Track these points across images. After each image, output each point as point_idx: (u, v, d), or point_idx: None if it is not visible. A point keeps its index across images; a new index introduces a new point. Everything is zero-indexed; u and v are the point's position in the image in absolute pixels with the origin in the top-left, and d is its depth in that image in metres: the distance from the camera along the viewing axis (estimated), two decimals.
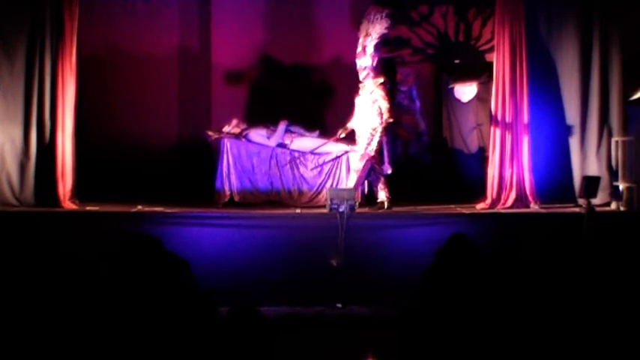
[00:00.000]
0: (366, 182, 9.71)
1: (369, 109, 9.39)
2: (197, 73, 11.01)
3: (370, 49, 9.45)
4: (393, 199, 9.61)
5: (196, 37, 11.04)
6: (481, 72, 10.53)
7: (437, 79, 11.17)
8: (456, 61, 10.96)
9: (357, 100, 9.53)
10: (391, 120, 9.49)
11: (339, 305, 7.72)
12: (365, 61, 9.46)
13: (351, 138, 10.10)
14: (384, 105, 9.39)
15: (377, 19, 9.49)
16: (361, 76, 9.51)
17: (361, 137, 9.45)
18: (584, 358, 4.87)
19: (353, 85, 10.94)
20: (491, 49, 10.15)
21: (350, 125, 9.60)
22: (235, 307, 4.38)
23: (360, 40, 9.53)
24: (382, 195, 9.48)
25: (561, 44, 9.70)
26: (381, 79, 9.46)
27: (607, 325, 5.16)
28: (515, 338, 4.61)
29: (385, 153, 9.61)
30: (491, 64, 9.88)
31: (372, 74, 9.46)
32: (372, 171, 9.50)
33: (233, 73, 11.00)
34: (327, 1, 11.01)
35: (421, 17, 10.96)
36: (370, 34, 9.45)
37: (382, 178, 9.51)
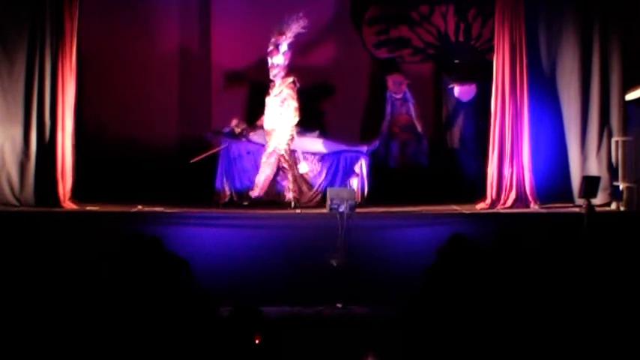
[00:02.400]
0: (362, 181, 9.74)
1: (279, 108, 9.44)
2: (197, 73, 11.00)
3: (284, 48, 9.51)
4: (395, 199, 9.63)
5: (196, 37, 11.03)
6: (481, 72, 10.52)
7: (437, 79, 11.16)
8: (456, 61, 10.94)
9: (268, 100, 9.53)
10: (297, 119, 9.54)
11: (339, 305, 7.72)
12: (278, 59, 9.49)
13: (350, 138, 10.12)
14: (293, 104, 9.43)
15: (293, 19, 9.55)
16: (272, 74, 9.54)
17: (276, 136, 9.45)
18: (584, 357, 4.87)
19: (353, 85, 10.98)
20: (491, 49, 10.14)
21: (264, 125, 9.58)
22: (237, 308, 4.38)
23: (273, 40, 9.56)
24: (290, 194, 9.54)
25: (561, 44, 9.70)
26: (291, 79, 9.52)
27: (607, 324, 5.16)
28: (515, 338, 4.61)
29: (300, 151, 9.65)
30: (491, 64, 9.87)
31: (282, 73, 9.50)
32: (279, 169, 9.53)
33: (233, 73, 10.99)
34: (327, 1, 11.00)
35: (421, 17, 10.96)
36: (285, 33, 9.49)
37: (290, 177, 9.52)
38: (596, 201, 8.81)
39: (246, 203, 9.48)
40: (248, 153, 9.87)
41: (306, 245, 8.23)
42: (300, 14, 9.62)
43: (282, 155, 9.49)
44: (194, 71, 11.02)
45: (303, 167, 9.67)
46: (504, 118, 9.57)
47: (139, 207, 9.30)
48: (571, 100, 9.68)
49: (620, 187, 9.38)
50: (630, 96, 9.69)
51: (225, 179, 9.73)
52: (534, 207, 9.40)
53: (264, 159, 9.52)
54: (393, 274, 7.83)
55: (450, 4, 10.92)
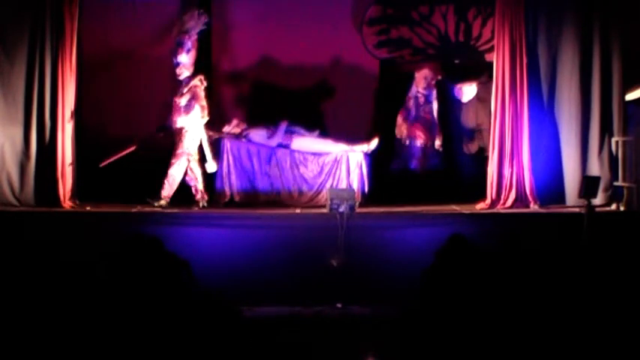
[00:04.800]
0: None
1: (187, 107, 9.40)
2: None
3: (188, 46, 9.46)
4: (395, 199, 9.64)
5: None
6: (481, 72, 10.51)
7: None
8: (456, 61, 10.92)
9: (175, 100, 9.47)
10: (207, 118, 9.51)
11: (339, 305, 7.72)
12: (182, 58, 9.46)
13: (351, 137, 10.10)
14: (200, 103, 9.43)
15: (194, 16, 9.51)
16: (177, 74, 9.49)
17: (186, 136, 9.41)
18: (584, 358, 4.87)
19: (353, 85, 10.96)
20: (491, 49, 10.15)
21: (172, 125, 9.49)
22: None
23: (176, 39, 9.51)
24: (199, 195, 9.47)
25: (561, 44, 9.69)
26: (197, 78, 9.50)
27: (607, 325, 5.16)
28: (515, 338, 4.61)
29: (209, 150, 9.55)
30: (491, 64, 9.87)
31: (188, 72, 9.48)
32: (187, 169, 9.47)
33: (233, 73, 10.99)
34: (327, 1, 11.00)
35: (421, 17, 10.95)
36: (188, 31, 9.45)
37: (198, 177, 9.47)
38: (597, 201, 8.82)
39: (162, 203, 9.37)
40: (255, 155, 9.86)
41: (306, 245, 8.23)
42: (202, 10, 9.59)
43: (191, 155, 9.43)
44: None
45: (211, 167, 9.55)
46: (504, 118, 9.57)
47: (139, 207, 9.31)
48: (571, 100, 9.67)
49: (621, 187, 9.39)
50: (630, 96, 9.68)
51: (225, 179, 9.73)
52: (534, 207, 9.41)
53: (173, 160, 9.40)
54: (393, 274, 7.84)
55: (450, 4, 10.91)
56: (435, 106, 10.45)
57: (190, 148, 9.44)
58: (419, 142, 10.41)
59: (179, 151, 9.42)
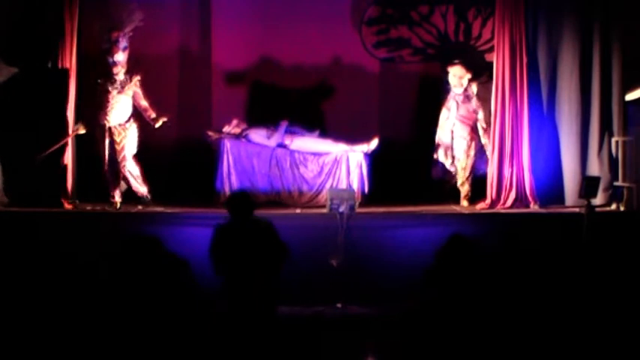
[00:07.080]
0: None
1: (125, 106, 9.35)
2: (197, 73, 10.99)
3: (124, 44, 9.37)
4: (395, 199, 9.63)
5: (196, 37, 11.02)
6: (481, 72, 10.48)
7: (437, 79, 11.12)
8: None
9: (112, 97, 9.34)
10: (165, 119, 9.45)
11: (339, 305, 7.72)
12: (119, 56, 9.34)
13: (351, 137, 10.10)
14: (141, 103, 9.40)
15: (126, 12, 9.41)
16: (114, 72, 9.35)
17: (124, 135, 9.34)
18: (584, 357, 4.88)
19: (353, 85, 10.96)
20: (491, 49, 10.14)
21: (107, 122, 9.35)
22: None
23: (110, 37, 9.35)
24: (143, 190, 9.45)
25: (561, 44, 9.69)
26: (137, 77, 9.42)
27: (607, 324, 5.16)
28: (515, 337, 4.62)
29: (135, 149, 9.46)
30: (491, 64, 9.87)
31: (124, 69, 9.40)
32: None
33: (233, 73, 10.99)
34: (327, 1, 11.00)
35: (421, 17, 10.94)
36: (122, 29, 9.36)
37: (135, 178, 9.42)
38: (597, 201, 8.82)
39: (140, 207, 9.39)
40: (255, 155, 9.85)
41: (306, 245, 8.22)
42: (133, 7, 9.48)
43: (133, 154, 9.39)
44: (194, 71, 11.00)
45: (133, 168, 9.46)
46: (504, 118, 9.57)
47: (139, 207, 9.31)
48: (571, 100, 9.67)
49: (621, 187, 9.39)
50: (630, 96, 9.69)
51: (225, 179, 9.73)
52: (534, 207, 9.41)
53: (124, 163, 9.33)
54: (393, 274, 7.84)
55: (449, 4, 10.90)
56: (474, 103, 9.88)
57: (133, 147, 9.39)
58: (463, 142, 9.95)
59: (124, 153, 9.34)
